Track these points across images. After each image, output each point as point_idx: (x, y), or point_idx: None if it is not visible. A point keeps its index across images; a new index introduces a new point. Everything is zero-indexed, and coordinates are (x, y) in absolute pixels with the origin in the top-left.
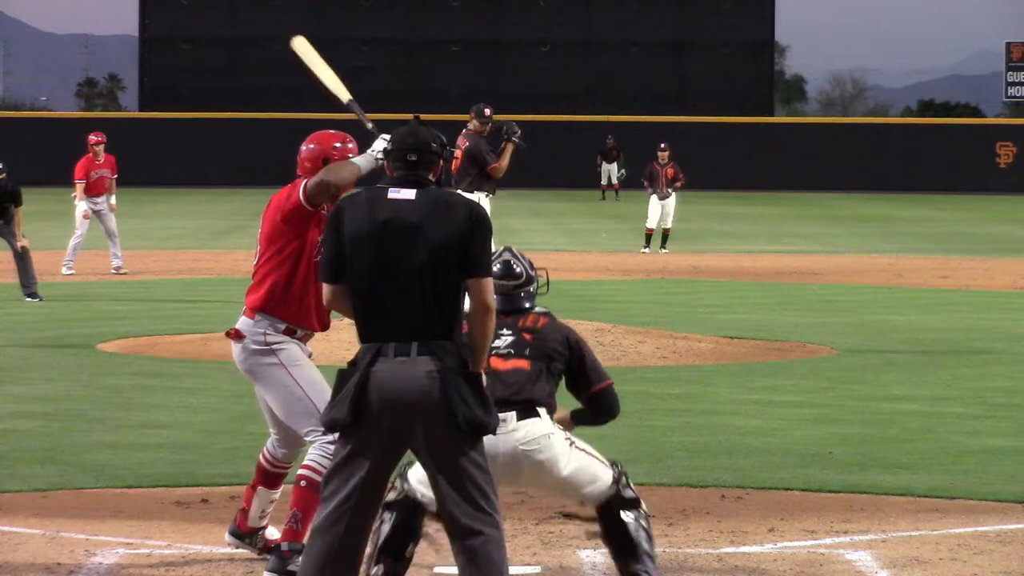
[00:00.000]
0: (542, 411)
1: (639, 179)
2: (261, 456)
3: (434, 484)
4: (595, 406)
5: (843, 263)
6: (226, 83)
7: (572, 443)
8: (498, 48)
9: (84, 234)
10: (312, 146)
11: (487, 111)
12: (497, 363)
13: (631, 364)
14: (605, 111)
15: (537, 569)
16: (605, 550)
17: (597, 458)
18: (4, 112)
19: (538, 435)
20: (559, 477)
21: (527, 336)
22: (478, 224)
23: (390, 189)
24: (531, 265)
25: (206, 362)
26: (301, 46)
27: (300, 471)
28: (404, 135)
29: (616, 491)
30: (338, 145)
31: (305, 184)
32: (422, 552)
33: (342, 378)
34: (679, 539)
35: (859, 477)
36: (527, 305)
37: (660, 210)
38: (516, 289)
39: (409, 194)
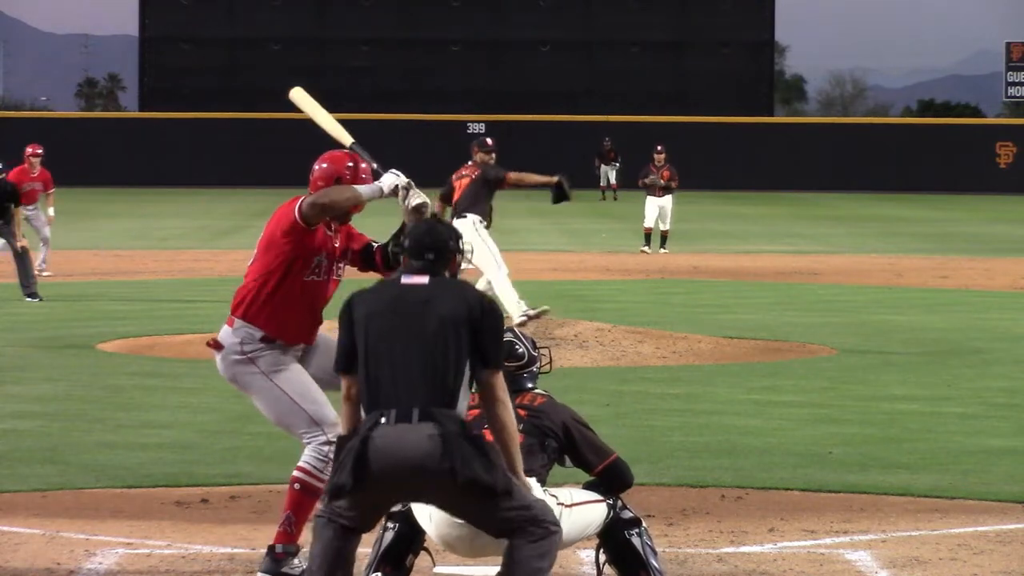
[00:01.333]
0: (532, 480)
1: (637, 180)
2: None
3: (470, 523)
4: (605, 482)
5: (843, 263)
6: (226, 83)
7: (562, 503)
8: (498, 48)
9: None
10: (325, 166)
11: (490, 140)
12: (489, 437)
13: (631, 364)
14: (605, 111)
15: None
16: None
17: (590, 501)
18: (4, 112)
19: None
20: None
21: (522, 412)
22: (490, 312)
23: (403, 276)
24: (534, 346)
25: (206, 362)
26: (299, 96)
27: (294, 473)
28: (422, 233)
29: (614, 515)
30: (350, 166)
31: (302, 202)
32: (422, 561)
33: (340, 445)
34: (679, 539)
35: (859, 477)
36: (529, 386)
37: (658, 210)
38: (518, 371)
39: (422, 279)
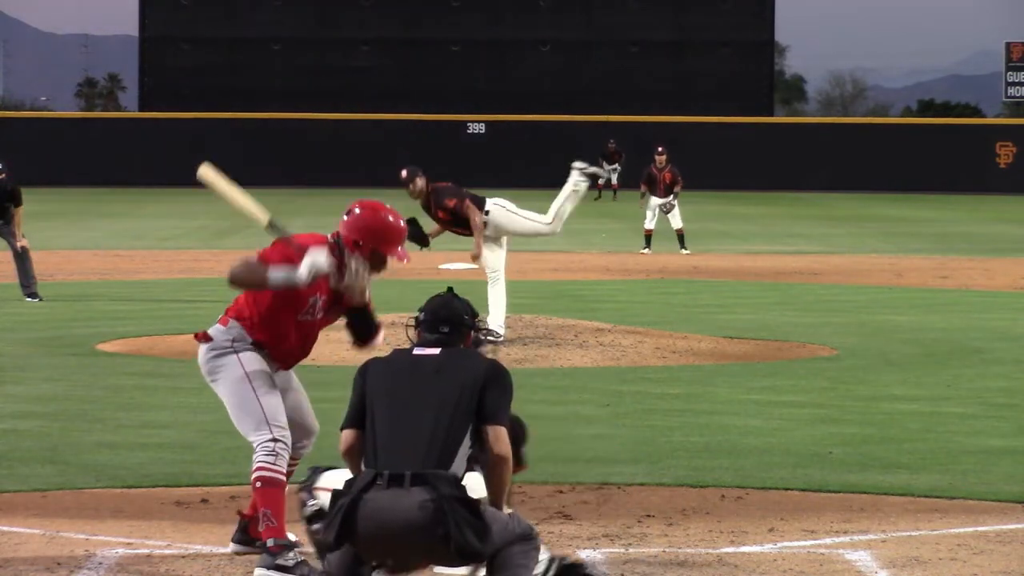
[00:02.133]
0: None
1: (637, 181)
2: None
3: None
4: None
5: (843, 263)
6: (226, 83)
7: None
8: (498, 48)
9: None
10: (363, 214)
11: (402, 175)
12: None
13: (631, 364)
14: (605, 111)
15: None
16: (604, 549)
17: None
18: (4, 112)
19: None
20: None
21: None
22: (498, 375)
23: (415, 348)
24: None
25: None
26: (207, 175)
27: (253, 475)
28: (438, 307)
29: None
30: (388, 223)
31: (314, 268)
32: None
33: (333, 500)
34: (679, 539)
35: (859, 477)
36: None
37: (658, 211)
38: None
39: (434, 351)
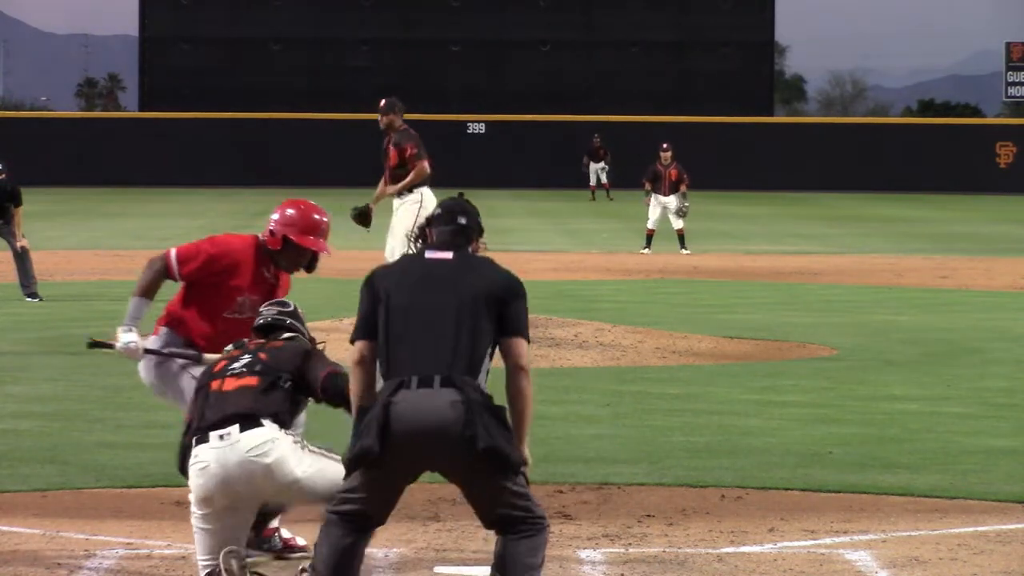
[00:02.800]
0: (266, 421)
1: (639, 180)
2: None
3: (470, 501)
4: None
5: (843, 263)
6: (226, 83)
7: (303, 446)
8: (498, 48)
9: None
10: (293, 212)
11: (382, 102)
12: (230, 383)
13: (631, 364)
14: (605, 111)
15: None
16: (605, 550)
17: (334, 459)
18: (4, 112)
19: (262, 440)
20: (293, 477)
21: (262, 356)
22: (517, 287)
23: (427, 251)
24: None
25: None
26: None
27: None
28: (454, 203)
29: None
30: (316, 219)
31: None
32: (422, 561)
33: (361, 412)
34: (679, 539)
35: (859, 477)
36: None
37: (661, 211)
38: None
39: (447, 255)
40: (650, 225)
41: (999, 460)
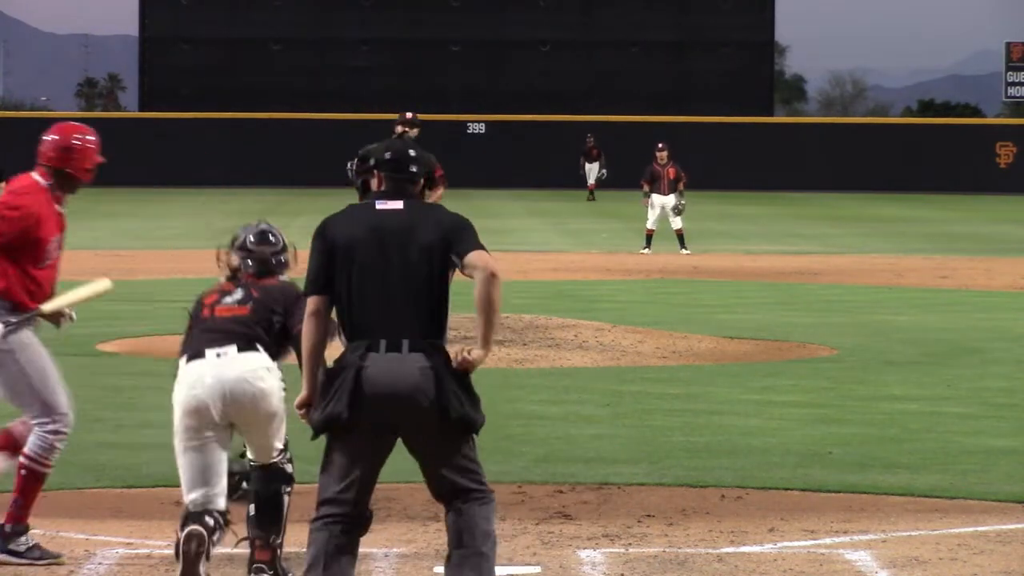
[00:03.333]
0: (260, 348)
1: (634, 180)
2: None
3: (426, 469)
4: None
5: (843, 263)
6: (226, 83)
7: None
8: (498, 48)
9: None
10: (56, 137)
11: (408, 115)
12: (222, 310)
13: (631, 364)
14: (605, 111)
15: (537, 569)
16: (604, 549)
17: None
18: (4, 112)
19: (258, 365)
20: (274, 411)
21: (254, 292)
22: (460, 220)
23: (377, 201)
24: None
25: None
26: (50, 310)
27: (21, 459)
28: (402, 147)
29: (277, 466)
30: (77, 138)
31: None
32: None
33: (331, 375)
34: (679, 539)
35: (859, 477)
36: (277, 272)
37: (660, 210)
38: (272, 255)
39: (397, 204)
40: (650, 225)
41: (999, 460)
